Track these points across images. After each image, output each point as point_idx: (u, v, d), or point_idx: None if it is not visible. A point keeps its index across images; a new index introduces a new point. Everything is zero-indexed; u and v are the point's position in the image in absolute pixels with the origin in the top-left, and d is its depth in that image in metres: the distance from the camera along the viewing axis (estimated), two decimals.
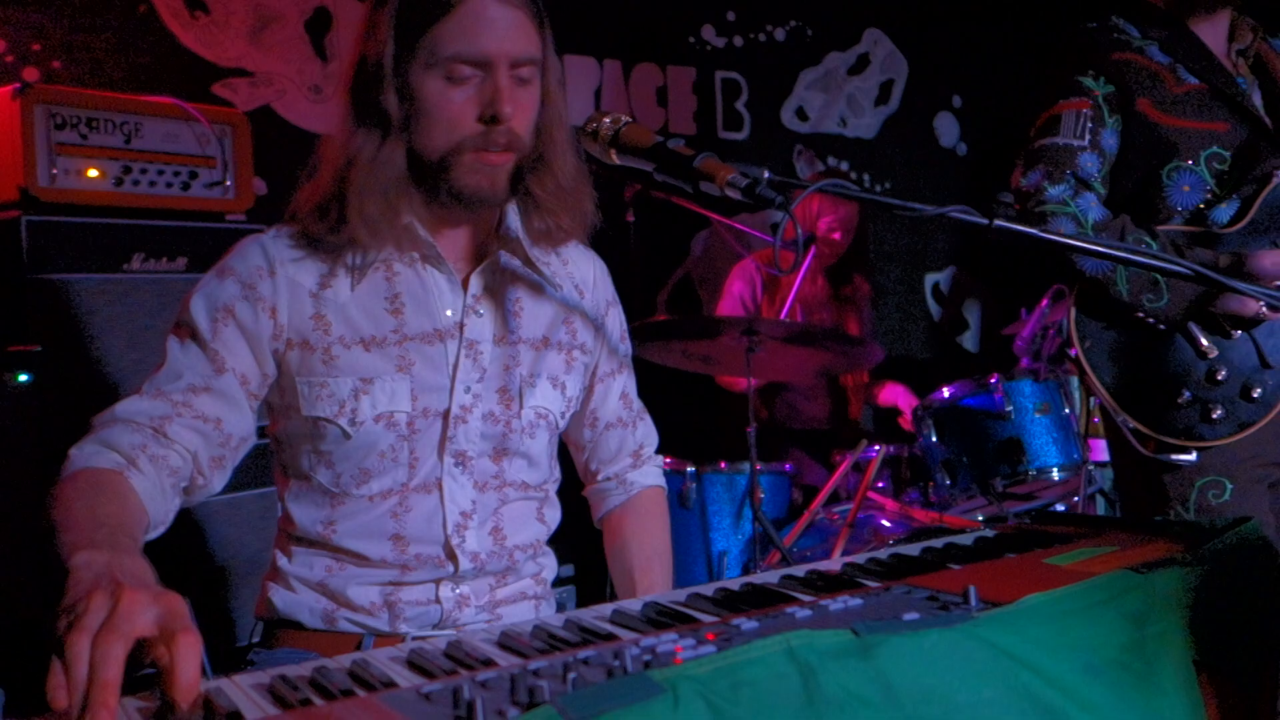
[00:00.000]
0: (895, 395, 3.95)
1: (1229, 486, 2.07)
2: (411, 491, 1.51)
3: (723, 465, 3.32)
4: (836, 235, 3.81)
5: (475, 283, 1.55)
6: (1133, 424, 2.08)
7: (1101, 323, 2.12)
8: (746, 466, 3.20)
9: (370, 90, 1.45)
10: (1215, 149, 2.09)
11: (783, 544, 2.88)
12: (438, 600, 1.53)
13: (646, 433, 1.83)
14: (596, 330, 1.69)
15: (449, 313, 1.52)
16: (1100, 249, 1.37)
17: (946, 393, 3.22)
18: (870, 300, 4.19)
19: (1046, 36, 2.31)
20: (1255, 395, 2.03)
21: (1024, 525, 1.56)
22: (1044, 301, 3.39)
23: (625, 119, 1.43)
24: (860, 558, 1.41)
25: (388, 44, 1.44)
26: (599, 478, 1.80)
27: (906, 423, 3.73)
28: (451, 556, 1.52)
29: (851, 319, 4.08)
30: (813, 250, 3.79)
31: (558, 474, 1.71)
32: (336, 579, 1.52)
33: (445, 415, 1.51)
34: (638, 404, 1.82)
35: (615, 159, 1.43)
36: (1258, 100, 2.16)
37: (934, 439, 3.24)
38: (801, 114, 4.86)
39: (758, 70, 4.73)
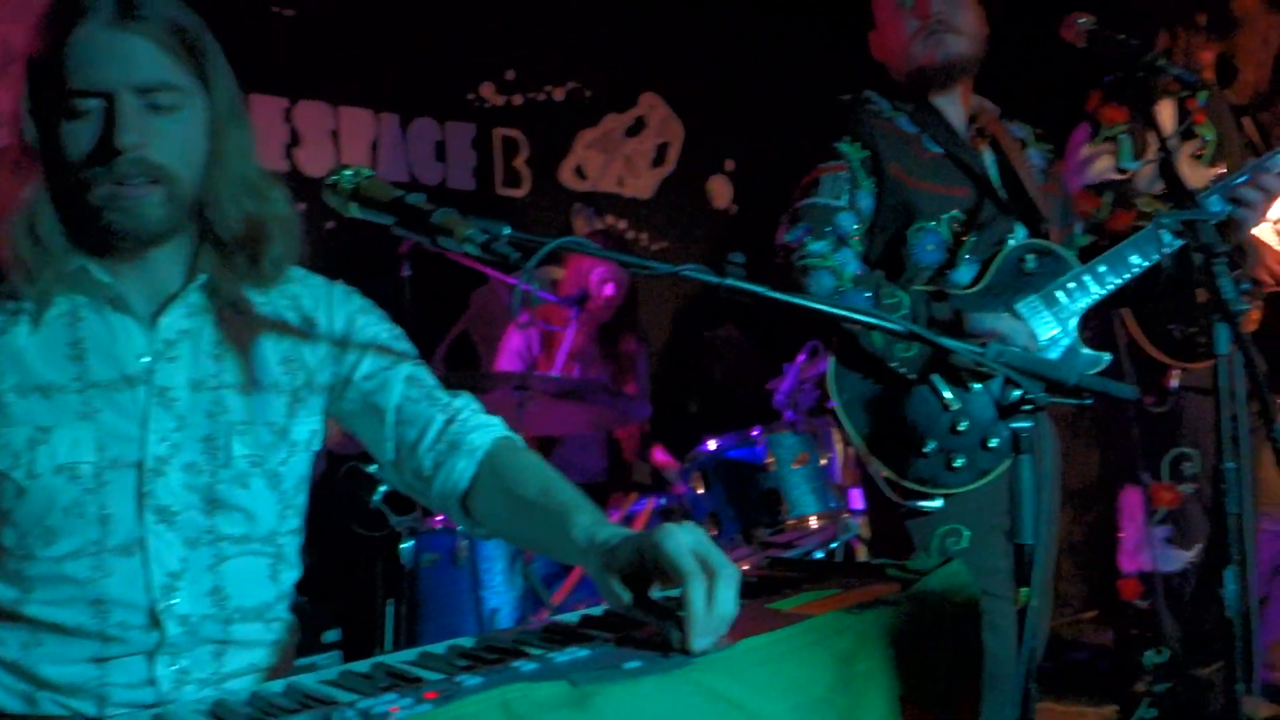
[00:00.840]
0: (664, 458, 4.04)
1: (966, 534, 2.21)
2: (109, 551, 1.40)
3: None
4: (609, 291, 3.88)
5: (168, 325, 1.47)
6: (883, 473, 2.20)
7: (858, 374, 2.24)
8: None
9: (17, 135, 1.40)
10: (955, 212, 2.27)
11: (551, 600, 2.88)
12: (151, 680, 1.41)
13: (459, 398, 1.63)
14: (337, 354, 1.59)
15: (141, 358, 1.45)
16: (820, 306, 1.46)
17: (712, 445, 3.31)
18: (645, 355, 4.28)
19: (813, 105, 2.46)
20: (991, 445, 2.18)
21: (759, 572, 1.62)
22: (800, 356, 3.56)
23: (366, 172, 1.43)
24: (599, 610, 1.42)
25: (22, 84, 1.39)
26: (425, 468, 1.56)
27: (674, 481, 3.81)
28: (158, 623, 1.41)
29: (626, 374, 4.16)
30: (588, 307, 3.85)
31: (296, 525, 1.59)
32: (32, 655, 1.39)
33: (139, 467, 1.42)
34: (430, 380, 1.64)
35: (355, 212, 1.42)
36: (995, 174, 2.35)
37: (700, 491, 3.33)
38: (580, 173, 4.96)
39: (537, 129, 4.80)
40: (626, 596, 1.23)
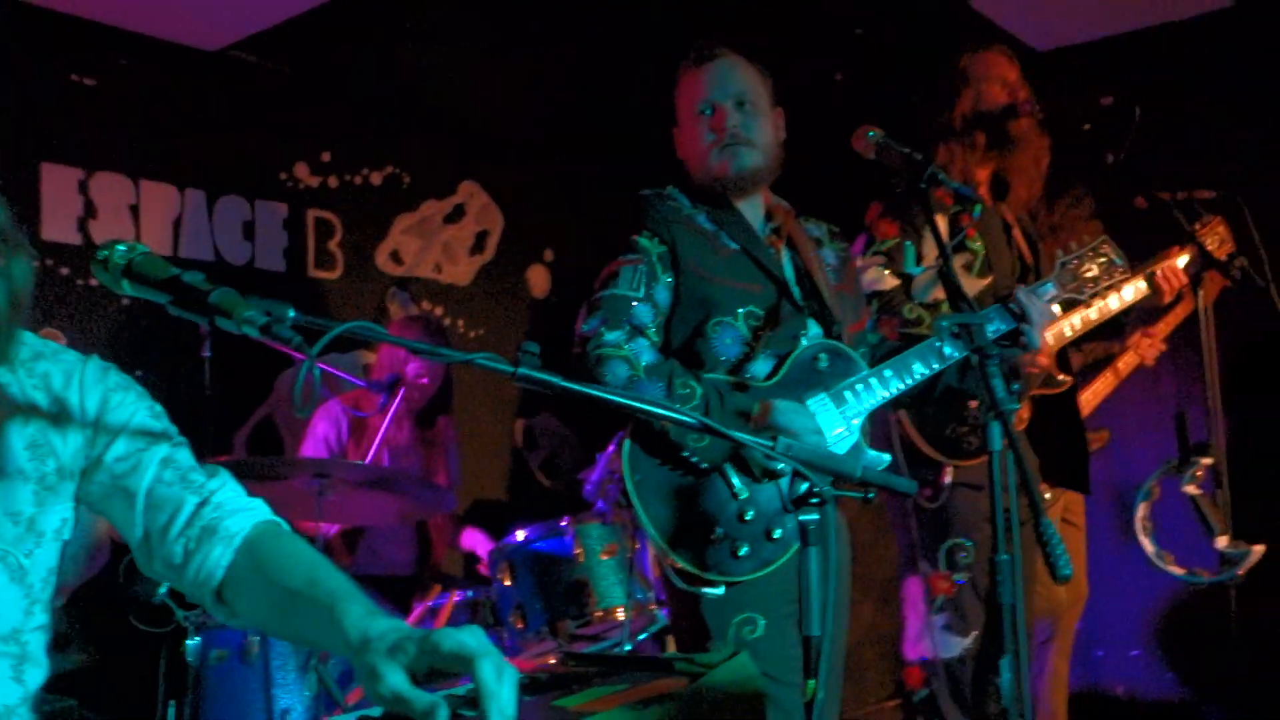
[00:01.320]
0: (474, 541, 3.97)
1: (761, 622, 2.23)
2: None
3: None
4: (424, 380, 3.82)
5: None
6: (670, 558, 2.21)
7: (654, 459, 2.26)
8: None
9: None
10: (751, 308, 2.33)
11: (345, 700, 2.75)
12: None
13: (216, 479, 1.52)
14: (91, 436, 1.48)
15: None
16: (613, 398, 1.47)
17: (520, 536, 3.27)
18: (457, 443, 4.22)
19: (627, 198, 2.51)
20: (775, 536, 2.22)
21: (549, 669, 1.59)
22: (610, 447, 3.57)
23: (141, 248, 1.36)
24: (375, 710, 1.36)
25: None
26: (176, 555, 1.45)
27: (485, 568, 3.74)
28: None
29: (438, 462, 4.08)
30: (400, 393, 3.77)
31: (44, 621, 1.47)
32: None
33: None
34: (187, 462, 1.52)
35: (128, 290, 1.35)
36: (790, 272, 2.43)
37: (507, 583, 3.27)
38: (396, 257, 4.90)
39: (353, 212, 4.73)
40: (407, 691, 1.16)
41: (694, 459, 2.23)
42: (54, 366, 1.51)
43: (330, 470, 2.96)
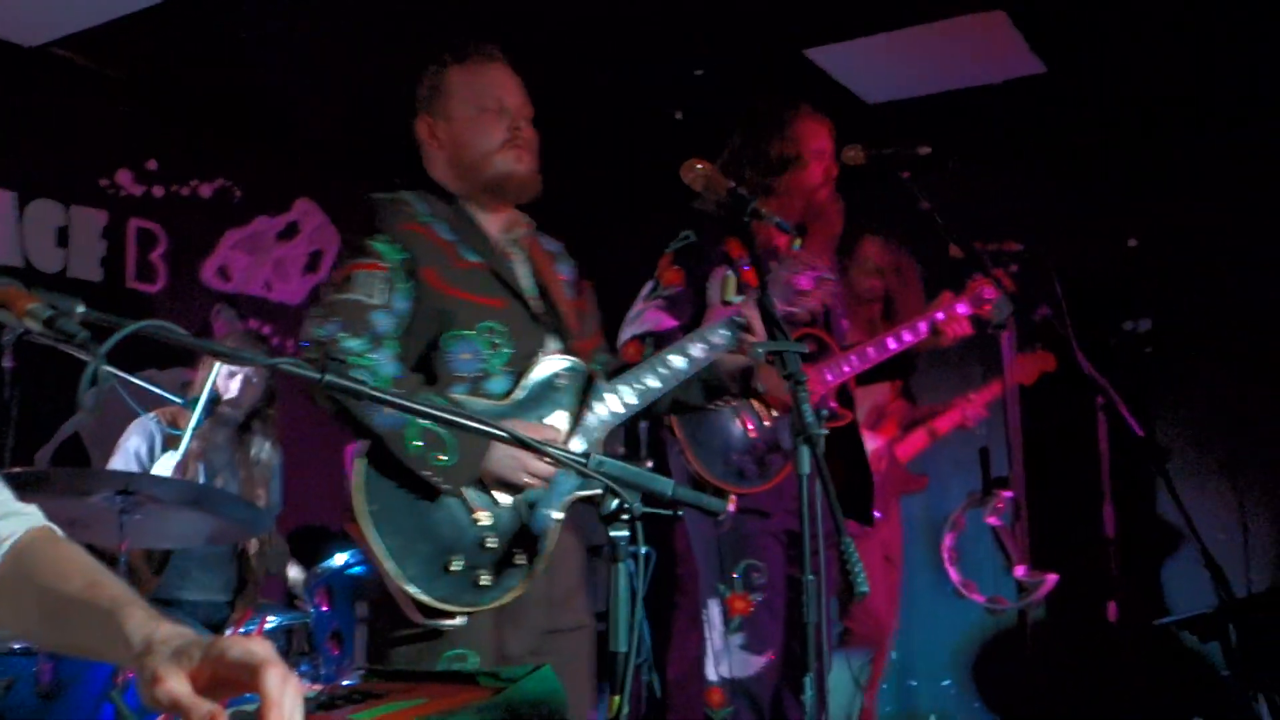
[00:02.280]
0: (297, 569, 3.84)
1: (473, 658, 2.12)
2: None
3: None
4: (236, 391, 3.69)
5: None
6: (408, 589, 2.06)
7: (392, 482, 2.11)
8: None
9: None
10: (491, 323, 2.25)
11: None
12: None
13: None
14: None
15: None
16: (412, 405, 1.45)
17: (338, 560, 3.19)
18: (281, 466, 4.08)
19: None
20: (518, 562, 2.16)
21: (348, 687, 1.56)
22: None
23: None
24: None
25: None
26: None
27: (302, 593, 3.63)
28: None
29: (257, 483, 3.94)
30: (216, 410, 3.64)
31: None
32: None
33: None
34: None
35: None
36: (530, 287, 2.37)
37: (325, 607, 3.18)
38: (224, 273, 4.74)
39: (179, 223, 4.55)
40: (186, 697, 1.10)
41: (435, 480, 2.11)
42: None
43: (137, 486, 2.82)
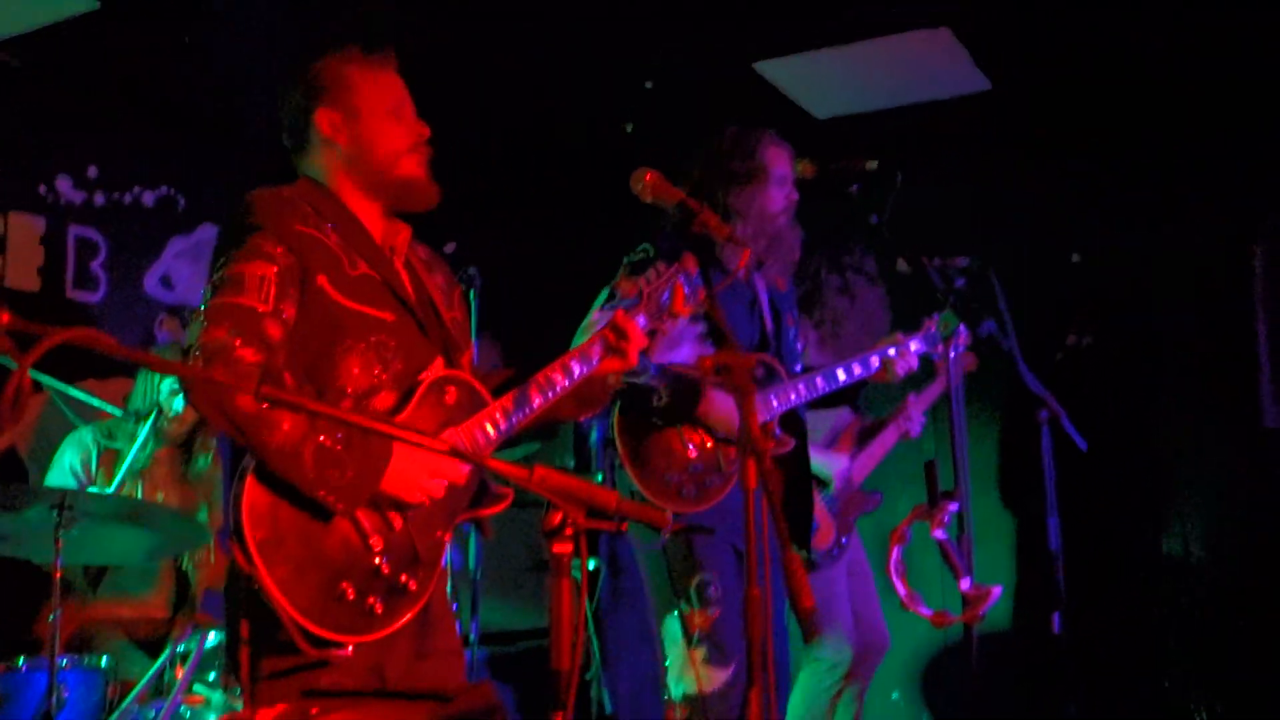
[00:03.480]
0: None
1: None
2: None
3: (21, 663, 2.90)
4: (181, 404, 3.62)
5: None
6: (298, 618, 1.94)
7: (283, 504, 1.97)
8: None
9: None
10: (383, 336, 2.13)
11: None
12: None
13: None
14: None
15: None
16: (386, 430, 1.43)
17: None
18: (228, 477, 4.01)
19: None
20: (411, 588, 2.06)
21: (284, 706, 1.53)
22: None
23: None
24: None
25: None
26: None
27: None
28: None
29: (202, 499, 3.86)
30: (153, 422, 3.57)
31: None
32: None
33: None
34: None
35: None
36: (415, 296, 2.24)
37: None
38: (168, 282, 4.66)
39: (121, 231, 4.47)
40: None
41: (328, 499, 1.96)
42: None
43: (72, 501, 2.75)
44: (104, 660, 3.07)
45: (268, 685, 1.99)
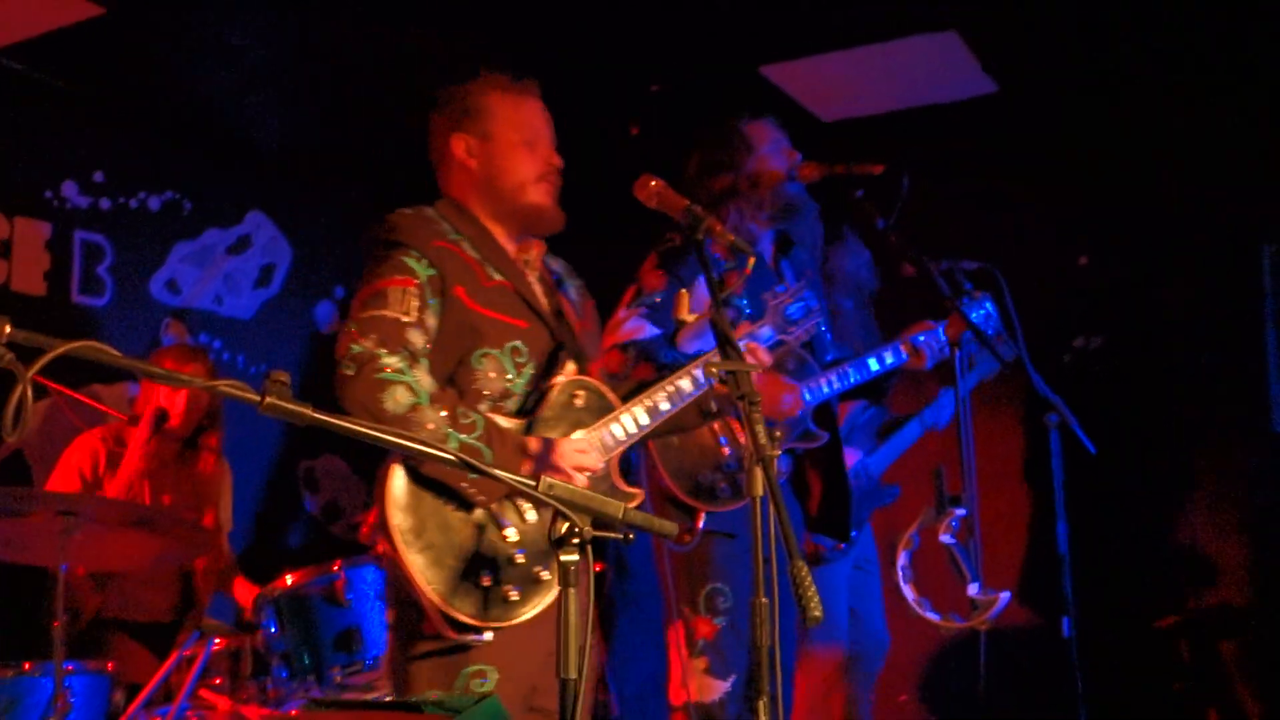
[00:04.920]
0: (247, 589, 3.77)
1: (494, 675, 2.14)
2: None
3: (26, 666, 2.89)
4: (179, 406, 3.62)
5: None
6: (440, 604, 2.09)
7: (428, 494, 2.13)
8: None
9: None
10: (516, 342, 2.29)
11: None
12: None
13: None
14: None
15: None
16: (366, 431, 1.42)
17: (289, 580, 3.13)
18: (230, 484, 4.01)
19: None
20: (544, 578, 2.19)
21: (292, 714, 1.52)
22: None
23: None
24: None
25: None
26: None
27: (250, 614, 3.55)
28: None
29: (208, 503, 3.87)
30: (165, 427, 3.58)
31: None
32: None
33: None
34: None
35: None
36: (548, 307, 2.41)
37: (274, 629, 3.12)
38: (174, 286, 4.66)
39: (126, 236, 4.47)
40: None
41: (471, 491, 2.14)
42: None
43: (79, 507, 2.75)
44: (110, 664, 3.08)
45: (416, 668, 2.15)
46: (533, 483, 1.59)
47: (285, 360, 5.08)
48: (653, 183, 2.34)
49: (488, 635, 2.13)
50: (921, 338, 3.09)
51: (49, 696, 2.85)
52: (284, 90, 4.37)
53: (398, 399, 2.11)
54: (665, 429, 2.45)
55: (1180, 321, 4.54)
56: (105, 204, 4.40)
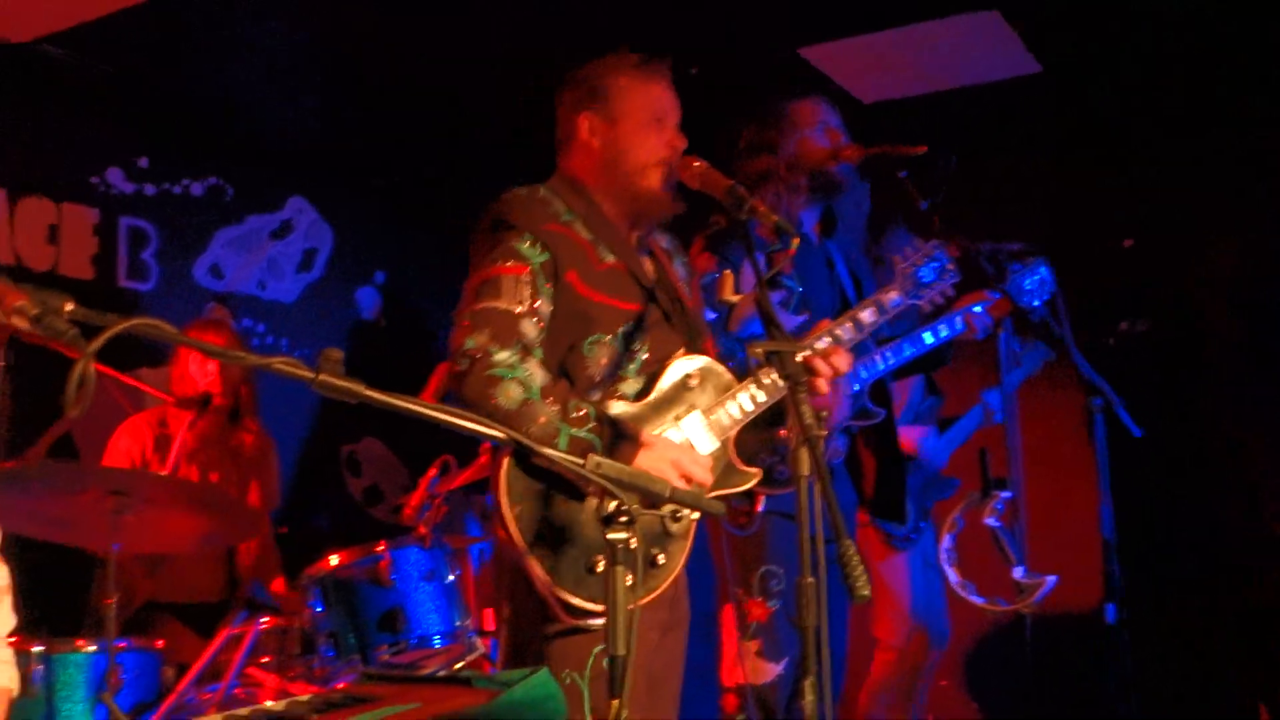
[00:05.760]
0: (283, 583, 3.82)
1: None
2: None
3: (79, 644, 2.94)
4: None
5: None
6: (557, 589, 2.09)
7: (539, 482, 2.12)
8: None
9: None
10: (629, 326, 2.25)
11: None
12: None
13: None
14: None
15: None
16: (414, 408, 1.43)
17: (334, 561, 3.16)
18: (276, 459, 4.04)
19: (462, 221, 2.41)
20: (660, 562, 2.17)
21: (342, 689, 1.54)
22: (432, 471, 3.50)
23: None
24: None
25: None
26: None
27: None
28: None
29: (252, 479, 3.91)
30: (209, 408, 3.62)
31: None
32: None
33: None
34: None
35: None
36: (660, 285, 2.36)
37: (320, 609, 3.15)
38: (217, 271, 4.71)
39: (171, 221, 4.53)
40: None
41: (585, 484, 2.10)
42: None
43: (131, 486, 2.79)
44: (159, 642, 3.13)
45: (549, 650, 2.13)
46: (580, 461, 1.59)
47: (329, 343, 5.08)
48: (696, 163, 2.33)
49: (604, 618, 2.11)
50: (978, 308, 3.03)
51: (102, 672, 2.91)
52: (324, 75, 4.39)
53: (509, 395, 2.10)
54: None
55: (1226, 303, 4.47)
56: (150, 190, 4.45)
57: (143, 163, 4.43)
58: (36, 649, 2.86)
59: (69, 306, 1.21)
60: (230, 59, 4.21)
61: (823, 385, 2.35)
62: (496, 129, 4.63)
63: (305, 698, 1.48)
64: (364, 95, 4.61)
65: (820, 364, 2.35)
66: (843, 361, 2.39)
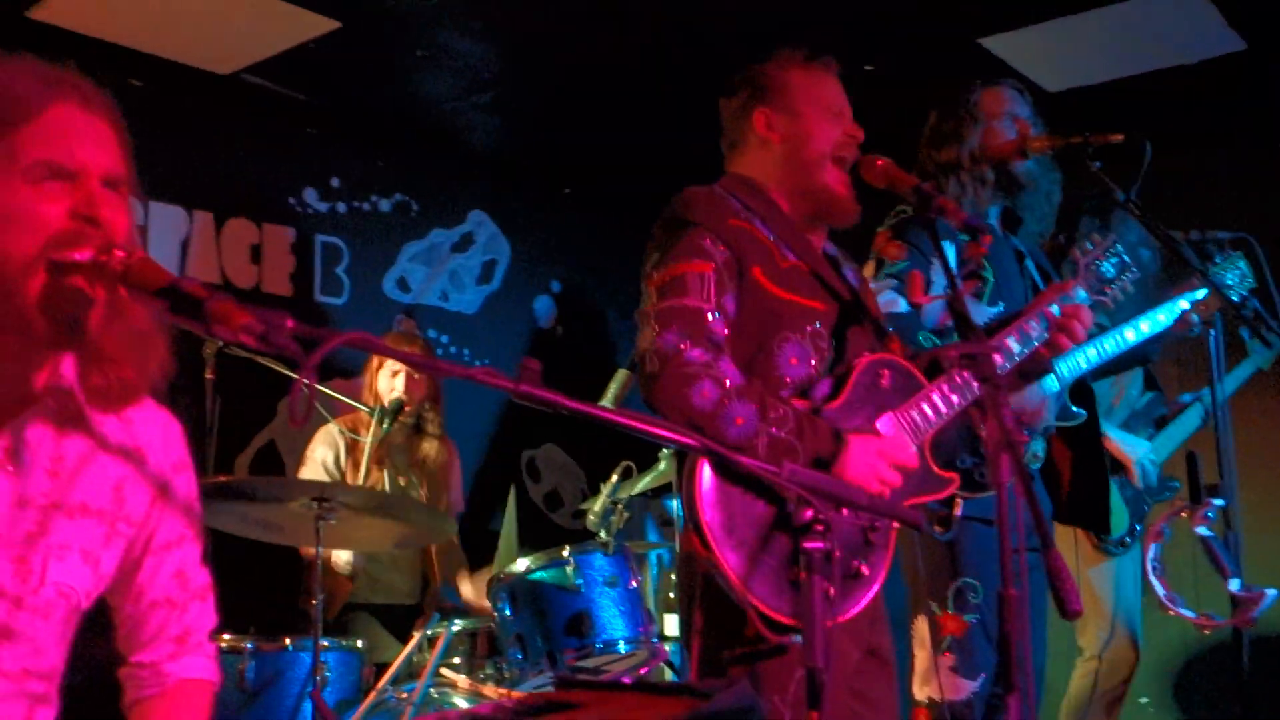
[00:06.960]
0: (470, 584, 3.92)
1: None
2: None
3: (286, 642, 3.10)
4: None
5: (7, 435, 1.37)
6: (761, 605, 1.98)
7: (735, 491, 2.01)
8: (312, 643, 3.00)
9: None
10: (816, 325, 2.17)
11: None
12: None
13: (200, 616, 1.62)
14: (154, 498, 1.53)
15: None
16: (616, 419, 1.43)
17: (521, 565, 3.22)
18: (458, 465, 4.16)
19: (635, 231, 2.40)
20: (864, 573, 2.08)
21: (544, 695, 1.55)
22: (613, 478, 3.53)
23: (139, 254, 1.35)
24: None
25: None
26: (132, 660, 1.59)
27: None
28: None
29: (438, 485, 4.03)
30: (401, 416, 3.74)
31: (62, 666, 1.48)
32: None
33: None
34: (199, 581, 1.62)
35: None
36: (843, 286, 2.29)
37: (508, 612, 3.22)
38: (403, 284, 4.90)
39: (360, 237, 4.73)
40: None
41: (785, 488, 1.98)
42: (144, 415, 1.54)
43: (330, 494, 2.92)
44: (360, 643, 3.26)
45: (727, 665, 2.05)
46: (776, 469, 1.57)
47: (508, 352, 5.26)
48: (879, 162, 2.26)
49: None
50: (1185, 303, 2.84)
51: (308, 670, 3.05)
52: (501, 93, 4.51)
53: (705, 394, 2.00)
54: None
55: None
56: (342, 208, 4.67)
57: (335, 182, 4.64)
58: (248, 645, 3.03)
59: (289, 324, 1.27)
60: (413, 80, 4.36)
61: (1080, 333, 2.34)
62: (669, 136, 4.65)
63: (509, 702, 1.51)
64: (538, 110, 4.71)
65: (1075, 325, 2.33)
66: (1088, 316, 2.36)
